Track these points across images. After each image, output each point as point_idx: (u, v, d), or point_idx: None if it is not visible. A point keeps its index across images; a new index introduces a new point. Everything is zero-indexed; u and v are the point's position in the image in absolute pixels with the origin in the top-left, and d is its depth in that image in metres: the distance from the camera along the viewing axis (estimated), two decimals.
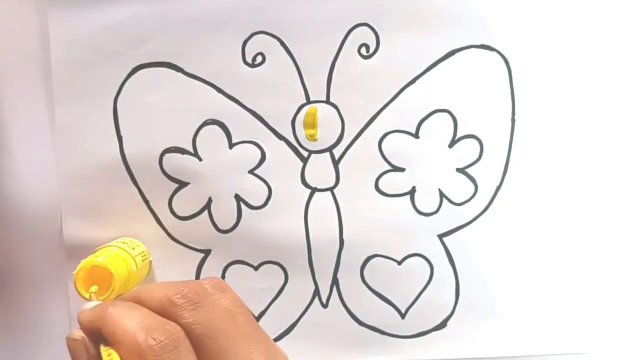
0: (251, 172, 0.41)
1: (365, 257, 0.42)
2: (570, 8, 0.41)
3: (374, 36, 0.40)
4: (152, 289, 0.26)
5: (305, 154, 0.41)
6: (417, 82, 0.41)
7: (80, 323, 0.27)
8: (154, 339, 0.23)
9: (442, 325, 0.42)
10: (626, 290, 0.43)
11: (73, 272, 0.35)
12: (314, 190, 0.41)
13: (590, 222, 0.42)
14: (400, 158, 0.41)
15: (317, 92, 0.41)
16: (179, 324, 0.24)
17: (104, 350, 0.24)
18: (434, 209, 0.41)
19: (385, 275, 0.42)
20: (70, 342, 0.26)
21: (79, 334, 0.26)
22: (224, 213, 0.41)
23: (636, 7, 0.41)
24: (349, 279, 0.42)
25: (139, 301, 0.26)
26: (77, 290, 0.35)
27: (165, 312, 0.25)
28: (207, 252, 0.42)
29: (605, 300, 0.43)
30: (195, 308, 0.25)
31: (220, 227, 0.41)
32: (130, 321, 0.24)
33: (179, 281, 0.27)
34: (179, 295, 0.25)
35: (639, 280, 0.43)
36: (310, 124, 0.41)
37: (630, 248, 0.43)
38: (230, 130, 0.41)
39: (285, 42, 0.40)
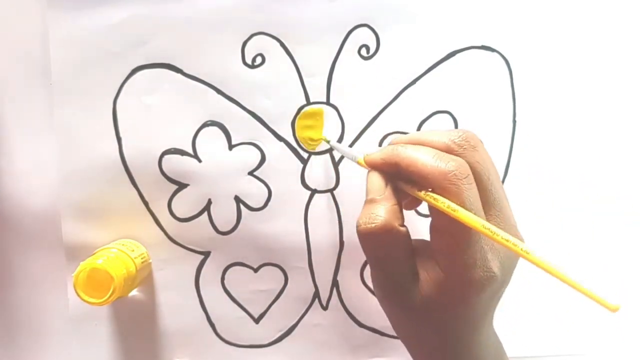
0: (251, 173, 0.41)
1: (365, 258, 0.42)
2: (570, 9, 0.41)
3: (374, 37, 0.40)
4: (430, 134, 0.31)
5: (305, 155, 0.41)
6: (418, 83, 0.41)
7: (371, 163, 0.32)
8: (453, 166, 0.28)
9: None
10: (620, 295, 0.42)
11: (72, 274, 0.36)
12: (313, 191, 0.41)
13: (589, 224, 0.42)
14: None
15: (317, 93, 0.41)
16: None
17: (424, 194, 0.29)
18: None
19: None
20: (373, 175, 0.32)
21: (374, 171, 0.32)
22: (224, 214, 0.41)
23: (636, 7, 0.41)
24: (348, 280, 0.42)
25: (420, 143, 0.30)
26: (76, 292, 0.35)
27: (449, 151, 0.29)
28: (206, 254, 0.41)
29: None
30: (474, 150, 0.30)
31: (220, 228, 0.41)
32: (427, 155, 0.29)
33: (447, 129, 0.31)
34: (460, 139, 0.30)
35: (633, 284, 0.43)
36: (312, 125, 0.41)
37: (627, 251, 0.42)
38: (230, 132, 0.41)
39: (285, 43, 0.40)
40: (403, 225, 0.31)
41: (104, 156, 0.40)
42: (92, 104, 0.40)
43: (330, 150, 0.41)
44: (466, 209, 0.28)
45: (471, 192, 0.28)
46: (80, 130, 0.40)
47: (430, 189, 0.29)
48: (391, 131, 0.41)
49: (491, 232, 0.27)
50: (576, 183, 0.42)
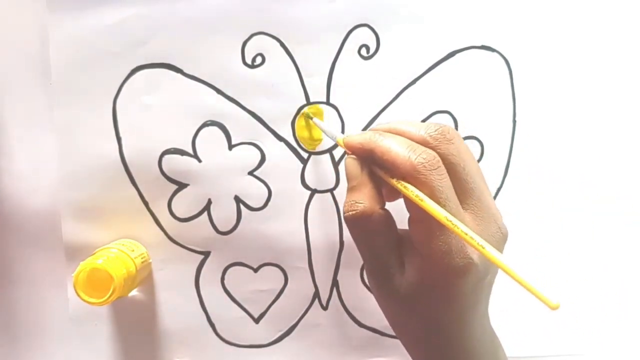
0: (251, 173, 0.41)
1: None
2: (570, 9, 0.41)
3: (374, 37, 0.40)
4: (408, 125, 0.32)
5: (305, 155, 0.41)
6: (418, 83, 0.41)
7: (349, 146, 0.33)
8: (423, 158, 0.29)
9: None
10: (619, 295, 0.43)
11: (72, 274, 0.36)
12: (313, 191, 0.41)
13: (589, 224, 0.42)
14: None
15: (317, 93, 0.41)
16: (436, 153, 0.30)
17: (396, 182, 0.30)
18: None
19: None
20: (349, 160, 0.33)
21: (352, 156, 0.33)
22: (224, 214, 0.41)
23: (636, 7, 0.41)
24: (348, 280, 0.42)
25: (397, 133, 0.32)
26: (76, 292, 0.35)
27: (424, 143, 0.31)
28: (206, 254, 0.41)
29: (598, 304, 0.43)
30: (449, 143, 0.31)
31: (220, 228, 0.41)
32: (401, 145, 0.30)
33: (426, 122, 0.33)
34: (436, 132, 0.31)
35: (632, 285, 0.43)
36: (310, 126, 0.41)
37: (625, 252, 0.42)
38: (230, 132, 0.41)
39: (285, 43, 0.40)
40: (383, 209, 0.32)
41: (104, 156, 0.40)
42: (92, 104, 0.40)
43: (330, 150, 0.41)
44: (436, 198, 0.29)
45: (441, 182, 0.29)
46: (80, 130, 0.40)
47: (402, 178, 0.30)
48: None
49: (452, 224, 0.28)
50: (576, 183, 0.42)
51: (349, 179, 0.33)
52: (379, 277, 0.33)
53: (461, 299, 0.31)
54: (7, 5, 0.40)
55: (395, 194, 0.35)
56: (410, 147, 0.30)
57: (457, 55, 0.41)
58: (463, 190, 0.31)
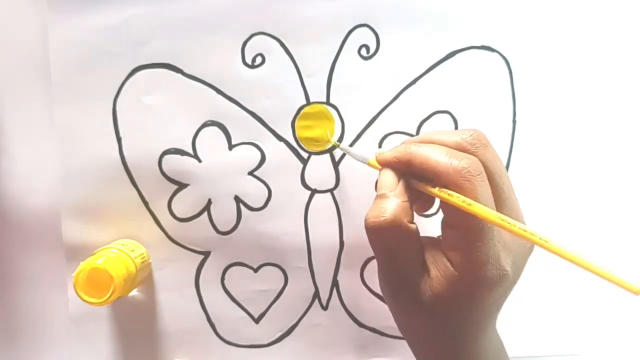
0: (251, 173, 0.41)
1: (365, 258, 0.42)
2: (570, 9, 0.41)
3: (374, 37, 0.40)
4: (441, 134, 0.31)
5: (305, 155, 0.41)
6: (418, 83, 0.41)
7: (383, 162, 0.32)
8: (466, 163, 0.29)
9: None
10: (619, 295, 0.42)
11: (72, 274, 0.36)
12: (314, 191, 0.41)
13: (588, 225, 0.42)
14: None
15: (317, 93, 0.41)
16: None
17: (438, 191, 0.29)
18: (434, 210, 0.40)
19: None
20: (386, 171, 0.32)
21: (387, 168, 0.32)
22: (224, 214, 0.41)
23: (636, 7, 0.41)
24: (348, 280, 0.42)
25: (432, 142, 0.31)
26: (76, 292, 0.35)
27: (461, 150, 0.30)
28: (206, 254, 0.41)
29: (597, 304, 0.43)
30: (486, 148, 0.30)
31: (220, 228, 0.41)
32: (439, 152, 0.29)
33: (460, 129, 0.32)
34: (472, 138, 0.30)
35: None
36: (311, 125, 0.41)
37: (626, 251, 0.42)
38: (230, 132, 0.41)
39: (285, 43, 0.40)
40: (412, 222, 0.31)
41: (104, 156, 0.40)
42: (92, 104, 0.40)
43: (330, 150, 0.41)
44: (481, 204, 0.28)
45: (484, 188, 0.29)
46: (80, 130, 0.40)
47: (443, 186, 0.30)
48: (391, 131, 0.41)
49: (508, 223, 0.27)
50: (576, 183, 0.42)
51: (380, 187, 0.32)
52: (397, 287, 0.32)
53: (486, 308, 0.31)
54: (7, 5, 0.40)
55: (423, 209, 0.35)
56: (449, 153, 0.29)
57: (457, 55, 0.41)
58: (499, 197, 0.30)
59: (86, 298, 0.35)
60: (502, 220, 0.27)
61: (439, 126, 0.41)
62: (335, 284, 0.42)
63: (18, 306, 0.42)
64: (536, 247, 0.42)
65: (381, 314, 0.42)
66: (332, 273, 0.42)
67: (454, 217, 0.29)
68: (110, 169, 0.40)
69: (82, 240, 0.40)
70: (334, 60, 0.40)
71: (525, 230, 0.27)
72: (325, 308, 0.42)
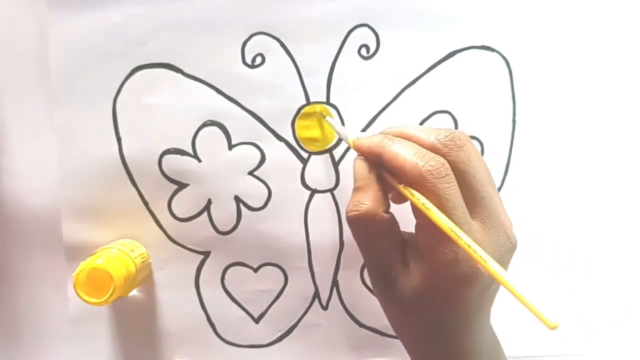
0: (251, 173, 0.41)
1: None
2: (570, 9, 0.41)
3: (374, 37, 0.40)
4: (419, 130, 0.31)
5: (305, 155, 0.41)
6: (418, 83, 0.41)
7: (359, 149, 0.33)
8: (431, 165, 0.29)
9: None
10: (619, 295, 0.43)
11: (72, 274, 0.36)
12: (314, 191, 0.41)
13: (588, 225, 0.42)
14: None
15: (317, 93, 0.41)
16: (446, 160, 0.30)
17: (403, 188, 0.30)
18: None
19: None
20: (358, 162, 0.33)
21: (362, 158, 0.33)
22: (224, 214, 0.41)
23: (636, 7, 0.41)
24: (348, 280, 0.42)
25: (406, 138, 0.31)
26: (76, 292, 0.35)
27: (434, 150, 0.30)
28: (206, 254, 0.41)
29: (597, 304, 0.43)
30: (459, 149, 0.30)
31: (220, 228, 0.41)
32: (409, 151, 0.30)
33: (437, 128, 0.32)
34: (447, 139, 0.30)
35: (631, 285, 0.43)
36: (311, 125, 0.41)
37: (626, 251, 0.42)
38: (230, 132, 0.41)
39: (285, 43, 0.40)
40: (387, 212, 0.32)
41: (104, 156, 0.40)
42: (92, 104, 0.40)
43: (330, 150, 0.41)
44: (443, 206, 0.29)
45: (449, 191, 0.29)
46: (80, 130, 0.40)
47: (409, 184, 0.30)
48: None
49: (456, 235, 0.27)
50: (576, 183, 0.42)
51: (355, 180, 0.33)
52: (380, 280, 0.33)
53: (465, 306, 0.31)
54: (7, 5, 0.40)
55: (403, 198, 0.35)
56: (418, 153, 0.29)
57: (457, 55, 0.41)
58: (473, 198, 0.30)
59: (86, 298, 0.35)
60: (451, 230, 0.28)
61: (439, 126, 0.41)
62: (335, 284, 0.42)
63: (18, 306, 0.42)
64: (547, 247, 0.42)
65: (381, 314, 0.41)
66: (332, 273, 0.42)
67: (422, 217, 0.30)
68: (110, 169, 0.40)
69: (82, 240, 0.40)
70: (334, 60, 0.40)
71: (469, 246, 0.27)
72: (325, 308, 0.42)
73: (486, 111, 0.41)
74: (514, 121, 0.41)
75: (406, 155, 0.30)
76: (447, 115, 0.41)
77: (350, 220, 0.32)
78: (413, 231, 0.33)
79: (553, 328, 0.24)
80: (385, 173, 0.32)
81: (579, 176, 0.42)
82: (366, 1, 0.40)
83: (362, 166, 0.33)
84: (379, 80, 0.41)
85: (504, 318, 0.41)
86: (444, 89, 0.41)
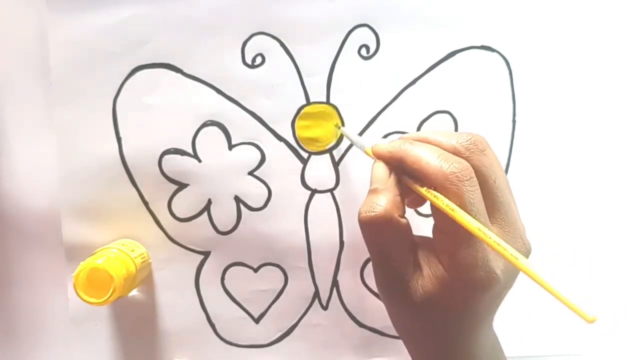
0: (251, 173, 0.41)
1: (365, 258, 0.42)
2: (570, 9, 0.41)
3: (374, 37, 0.40)
4: (439, 135, 0.31)
5: (305, 155, 0.41)
6: (418, 83, 0.41)
7: (378, 154, 0.32)
8: (456, 167, 0.29)
9: None
10: (617, 295, 0.43)
11: (72, 274, 0.36)
12: (313, 191, 0.41)
13: (588, 225, 0.42)
14: None
15: (317, 93, 0.41)
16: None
17: (426, 191, 0.30)
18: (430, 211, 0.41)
19: None
20: (378, 164, 0.32)
21: (381, 162, 0.32)
22: (224, 214, 0.41)
23: (636, 7, 0.41)
24: (348, 280, 0.42)
25: (428, 142, 0.31)
26: (76, 292, 0.35)
27: (456, 153, 0.30)
28: (206, 254, 0.41)
29: (597, 304, 0.43)
30: (481, 154, 0.30)
31: (220, 228, 0.41)
32: (432, 154, 0.29)
33: (457, 132, 0.32)
34: (468, 142, 0.30)
35: (631, 285, 0.43)
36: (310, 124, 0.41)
37: (626, 251, 0.42)
38: (230, 132, 0.41)
39: (285, 43, 0.40)
40: (403, 217, 0.31)
41: (104, 156, 0.40)
42: (92, 104, 0.40)
43: (330, 150, 0.41)
44: (466, 210, 0.28)
45: (473, 194, 0.29)
46: (80, 130, 0.40)
47: (432, 187, 0.30)
48: (391, 131, 0.41)
49: (484, 234, 0.27)
50: (576, 183, 0.42)
51: (373, 182, 0.32)
52: (390, 283, 0.32)
53: (477, 310, 0.31)
54: (7, 5, 0.40)
55: (418, 203, 0.35)
56: (441, 156, 0.29)
57: (457, 55, 0.41)
58: (492, 203, 0.30)
59: (86, 298, 0.35)
60: (479, 230, 0.27)
61: (439, 126, 0.41)
62: (335, 284, 0.42)
63: (18, 306, 0.42)
64: (547, 247, 0.42)
65: (381, 314, 0.42)
66: (332, 273, 0.42)
67: (442, 220, 0.29)
68: (110, 169, 0.40)
69: (82, 240, 0.40)
70: (334, 60, 0.40)
71: (498, 244, 0.27)
72: (325, 308, 0.42)
73: (486, 111, 0.41)
74: (514, 121, 0.41)
75: (429, 158, 0.29)
76: (447, 115, 0.41)
77: (365, 220, 0.31)
78: (422, 234, 0.33)
79: (592, 322, 0.24)
80: (406, 178, 0.31)
81: (579, 176, 0.42)
82: (366, 1, 0.40)
83: (382, 169, 0.32)
84: (379, 80, 0.41)
85: (504, 318, 0.41)
86: (444, 89, 0.41)
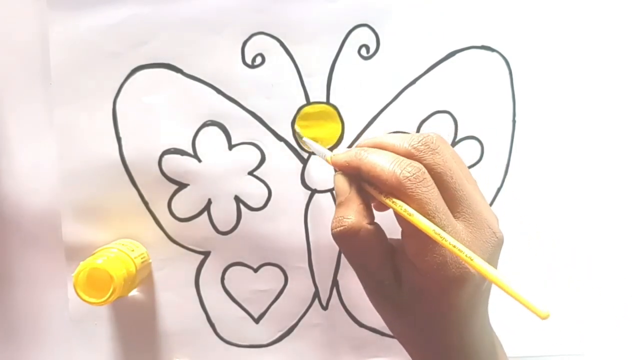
0: (251, 173, 0.41)
1: None
2: (570, 9, 0.41)
3: (374, 37, 0.40)
4: (392, 139, 0.32)
5: (305, 155, 0.41)
6: (418, 83, 0.41)
7: (336, 164, 0.33)
8: (408, 172, 0.29)
9: None
10: (617, 295, 0.43)
11: (72, 274, 0.36)
12: (313, 191, 0.41)
13: (588, 225, 0.42)
14: None
15: (317, 93, 0.41)
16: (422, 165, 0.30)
17: (384, 197, 0.30)
18: None
19: None
20: (338, 177, 0.33)
21: (340, 172, 0.33)
22: (224, 214, 0.41)
23: (636, 7, 0.41)
24: (348, 280, 0.42)
25: (381, 147, 0.32)
26: (76, 292, 0.35)
27: (409, 156, 0.30)
28: (206, 254, 0.41)
29: (597, 304, 0.43)
30: (434, 153, 0.30)
31: (220, 228, 0.41)
32: (385, 160, 0.30)
33: (411, 133, 0.33)
34: (420, 143, 0.31)
35: (632, 285, 0.43)
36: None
37: (625, 253, 0.43)
38: (230, 132, 0.41)
39: (285, 43, 0.40)
40: (372, 224, 0.31)
41: (104, 156, 0.40)
42: (92, 104, 0.40)
43: (330, 150, 0.41)
44: (425, 211, 0.29)
45: (428, 194, 0.29)
46: (80, 130, 0.40)
47: (390, 193, 0.30)
48: (391, 131, 0.41)
49: (440, 237, 0.28)
50: (576, 183, 0.42)
51: (337, 195, 0.33)
52: (374, 290, 0.33)
53: (459, 307, 0.31)
54: (7, 5, 0.40)
55: (383, 208, 0.35)
56: (395, 161, 0.30)
57: (457, 55, 0.41)
58: (452, 198, 0.30)
59: (86, 298, 0.35)
60: (436, 233, 0.28)
61: (439, 126, 0.41)
62: (335, 284, 0.42)
63: (18, 306, 0.42)
64: (547, 247, 0.42)
65: None
66: (332, 273, 0.42)
67: (406, 224, 0.30)
68: (110, 169, 0.40)
69: (82, 240, 0.40)
70: (334, 60, 0.40)
71: (453, 246, 0.27)
72: (325, 308, 0.42)
73: (486, 111, 0.41)
74: (514, 121, 0.41)
75: (383, 164, 0.30)
76: (447, 115, 0.41)
77: (336, 236, 0.31)
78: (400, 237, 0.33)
79: (544, 317, 0.24)
80: (365, 185, 0.32)
81: (579, 176, 0.42)
82: (366, 1, 0.40)
83: (342, 180, 0.33)
84: (379, 80, 0.41)
85: (504, 318, 0.41)
86: (444, 89, 0.41)
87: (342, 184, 0.32)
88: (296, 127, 0.41)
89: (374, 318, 0.42)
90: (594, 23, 0.41)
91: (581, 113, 0.42)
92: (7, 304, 0.42)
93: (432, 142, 0.31)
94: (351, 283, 0.42)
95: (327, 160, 0.35)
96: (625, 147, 0.42)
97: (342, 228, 0.31)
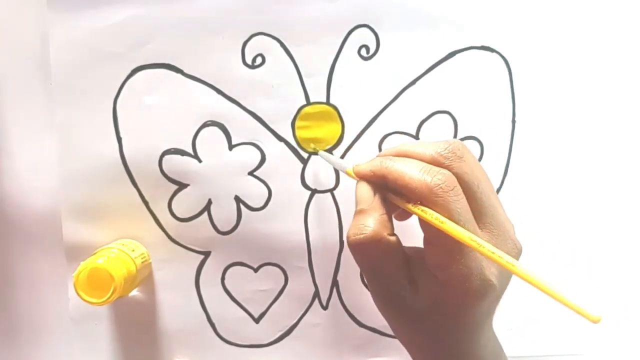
0: (251, 173, 0.41)
1: None
2: (570, 9, 0.41)
3: (374, 37, 0.40)
4: (417, 146, 0.31)
5: (305, 155, 0.41)
6: (418, 83, 0.41)
7: (360, 174, 0.32)
8: (439, 179, 0.28)
9: None
10: (617, 295, 0.43)
11: (73, 274, 0.36)
12: (314, 191, 0.41)
13: (588, 225, 0.42)
14: None
15: (317, 93, 0.41)
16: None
17: (412, 206, 0.29)
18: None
19: None
20: (362, 185, 0.32)
21: (363, 181, 0.32)
22: (224, 214, 0.41)
23: (636, 7, 0.41)
24: (348, 280, 0.42)
25: (408, 155, 0.31)
26: (77, 292, 0.35)
27: (436, 163, 0.30)
28: (206, 254, 0.41)
29: (598, 304, 0.43)
30: (460, 160, 0.30)
31: (220, 228, 0.41)
32: (414, 168, 0.29)
33: (433, 141, 0.32)
34: (447, 151, 0.30)
35: (632, 285, 0.43)
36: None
37: (626, 253, 0.43)
38: (230, 132, 0.41)
39: (285, 43, 0.40)
40: (393, 235, 0.31)
41: (104, 156, 0.40)
42: (92, 104, 0.40)
43: (330, 151, 0.41)
44: (454, 220, 0.28)
45: (459, 203, 0.28)
46: (80, 130, 0.40)
47: (418, 202, 0.29)
48: (391, 131, 0.41)
49: (477, 244, 0.27)
50: (576, 183, 0.42)
51: (358, 202, 0.32)
52: (386, 300, 0.32)
53: (474, 317, 0.31)
54: (7, 5, 0.40)
55: (404, 217, 0.35)
56: (423, 169, 0.29)
57: (457, 55, 0.41)
58: (479, 208, 0.30)
59: (86, 298, 0.35)
60: (472, 240, 0.27)
61: (439, 126, 0.41)
62: (335, 283, 0.42)
63: (18, 306, 0.42)
64: (547, 247, 0.42)
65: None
66: (332, 273, 0.42)
67: (432, 234, 0.29)
68: (110, 169, 0.40)
69: (83, 240, 0.40)
70: (334, 60, 0.40)
71: (493, 253, 0.27)
72: (325, 308, 0.42)
73: (486, 111, 0.41)
74: (513, 121, 0.41)
75: (412, 172, 0.29)
76: (447, 115, 0.41)
77: (354, 243, 0.31)
78: (413, 245, 0.33)
79: (596, 322, 0.24)
80: (391, 195, 0.31)
81: (579, 176, 0.42)
82: (366, 1, 0.40)
83: (366, 189, 0.32)
84: (378, 80, 0.41)
85: (504, 318, 0.41)
86: (443, 89, 0.41)
87: (367, 192, 0.32)
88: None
89: (374, 318, 0.42)
90: (594, 23, 0.41)
91: (581, 113, 0.42)
92: (7, 304, 0.42)
93: (459, 150, 0.30)
94: (351, 283, 0.42)
95: (348, 174, 0.34)
96: (625, 147, 0.42)
97: (362, 236, 0.30)
